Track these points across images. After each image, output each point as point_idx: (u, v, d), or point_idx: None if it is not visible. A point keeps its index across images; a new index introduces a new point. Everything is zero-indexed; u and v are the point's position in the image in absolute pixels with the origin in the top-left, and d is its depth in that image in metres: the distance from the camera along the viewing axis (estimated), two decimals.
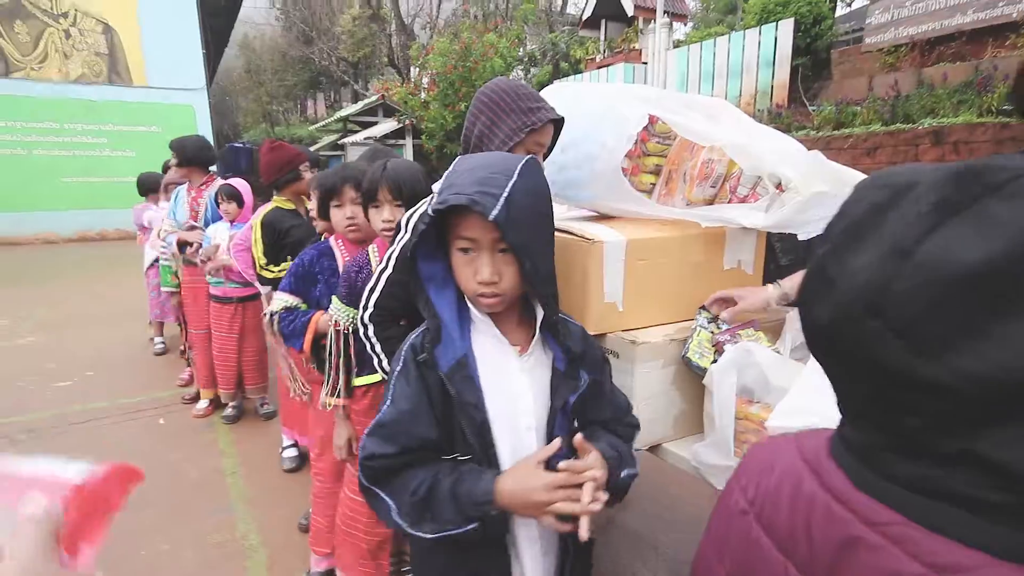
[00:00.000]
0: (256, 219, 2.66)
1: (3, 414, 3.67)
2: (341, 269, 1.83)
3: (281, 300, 1.89)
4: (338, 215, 1.88)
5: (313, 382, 2.06)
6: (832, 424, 0.55)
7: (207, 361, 3.56)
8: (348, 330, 1.71)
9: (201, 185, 3.51)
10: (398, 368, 1.02)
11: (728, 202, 1.63)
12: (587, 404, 1.05)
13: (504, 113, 1.33)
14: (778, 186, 1.49)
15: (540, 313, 1.03)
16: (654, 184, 1.74)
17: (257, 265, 2.62)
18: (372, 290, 1.41)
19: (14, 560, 0.40)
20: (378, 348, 1.41)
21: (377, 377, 1.69)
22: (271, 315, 1.88)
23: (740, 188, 1.61)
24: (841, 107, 6.35)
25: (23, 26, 12.66)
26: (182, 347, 4.27)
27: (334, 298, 1.74)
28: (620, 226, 1.51)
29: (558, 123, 1.42)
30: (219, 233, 3.25)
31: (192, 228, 3.43)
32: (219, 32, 17.14)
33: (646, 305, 1.51)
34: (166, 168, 5.07)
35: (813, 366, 1.14)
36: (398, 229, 1.42)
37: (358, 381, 1.76)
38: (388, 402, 1.01)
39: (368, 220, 1.71)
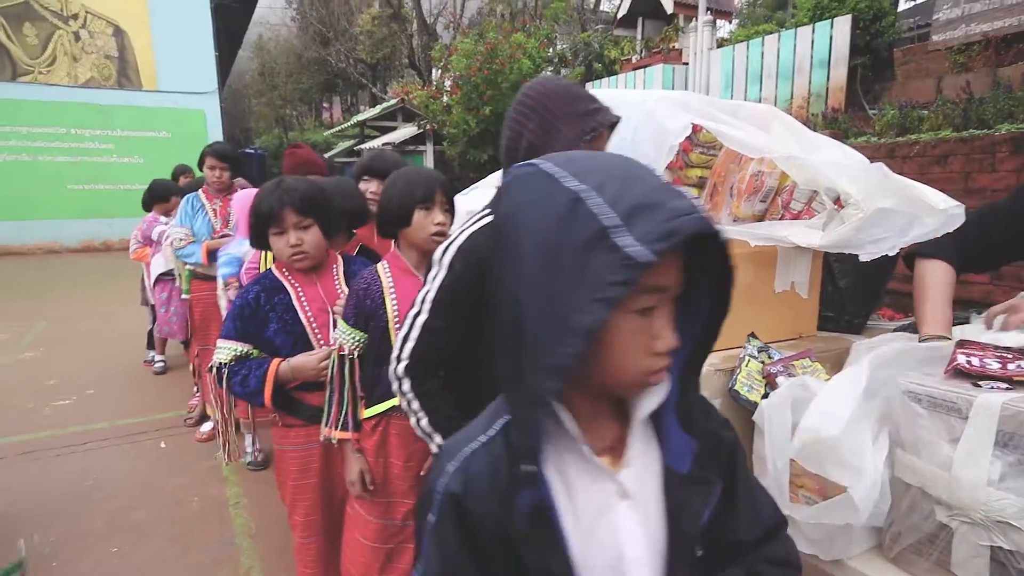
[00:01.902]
0: None
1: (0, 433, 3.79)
2: (296, 303, 1.79)
3: (228, 349, 1.76)
4: (280, 243, 1.77)
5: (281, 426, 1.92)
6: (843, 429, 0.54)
7: None
8: (354, 354, 1.69)
9: (229, 193, 3.58)
10: (432, 520, 0.72)
11: (780, 218, 1.61)
12: (721, 519, 0.77)
13: (558, 119, 1.25)
14: (836, 201, 1.47)
15: (651, 393, 0.71)
16: (697, 198, 1.73)
17: None
18: (405, 339, 1.33)
19: None
20: (415, 405, 1.34)
21: (388, 405, 1.68)
22: (218, 369, 1.76)
23: (793, 203, 1.59)
24: (906, 111, 6.23)
25: (32, 28, 13.30)
26: (192, 365, 4.28)
27: (340, 320, 1.71)
28: None
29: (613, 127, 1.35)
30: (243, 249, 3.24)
31: (225, 236, 3.48)
32: (232, 34, 17.76)
33: None
34: (176, 175, 5.23)
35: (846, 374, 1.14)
36: (431, 265, 1.35)
37: (367, 412, 1.72)
38: (420, 567, 0.74)
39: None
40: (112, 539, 2.71)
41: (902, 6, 13.84)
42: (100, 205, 14.01)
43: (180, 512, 2.93)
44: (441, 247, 1.33)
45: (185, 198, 3.59)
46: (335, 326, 1.78)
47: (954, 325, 1.35)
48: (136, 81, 14.38)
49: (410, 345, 1.32)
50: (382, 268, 1.70)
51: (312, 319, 1.80)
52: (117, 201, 13.72)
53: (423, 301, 1.32)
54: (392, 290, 1.66)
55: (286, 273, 1.83)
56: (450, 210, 1.66)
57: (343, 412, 1.70)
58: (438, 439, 1.31)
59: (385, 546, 1.73)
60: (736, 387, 1.36)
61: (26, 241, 13.51)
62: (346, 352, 1.68)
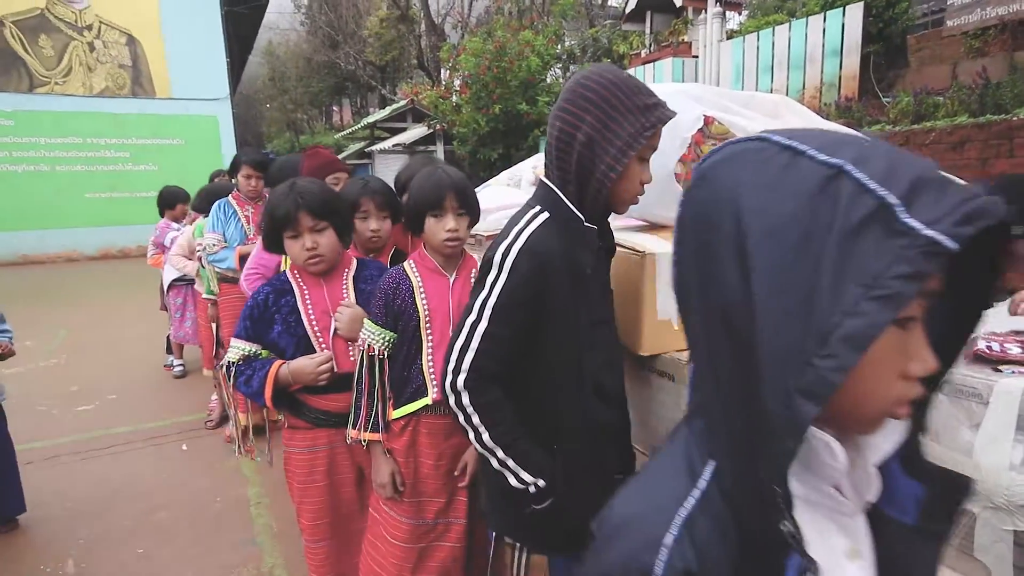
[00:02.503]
0: None
1: (24, 439, 3.87)
2: (301, 306, 1.78)
3: (238, 349, 1.79)
4: (295, 247, 1.75)
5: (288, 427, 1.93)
6: None
7: None
8: (383, 355, 1.69)
9: (260, 200, 3.61)
10: None
11: None
12: None
13: (619, 113, 1.17)
14: None
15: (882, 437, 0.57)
16: None
17: None
18: (463, 349, 1.25)
19: None
20: (476, 420, 1.26)
21: (419, 405, 1.67)
22: (227, 367, 1.79)
23: None
24: (921, 98, 6.16)
25: (47, 40, 13.53)
26: (215, 367, 4.28)
27: (366, 320, 1.72)
28: (666, 236, 1.50)
29: None
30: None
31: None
32: (243, 40, 17.94)
33: None
34: (213, 178, 5.32)
35: None
36: (488, 267, 1.25)
37: (395, 413, 1.72)
38: None
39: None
40: (137, 540, 2.76)
41: None
42: (117, 213, 14.23)
43: (203, 513, 2.98)
44: (500, 248, 1.24)
45: (216, 204, 3.58)
46: (335, 332, 1.78)
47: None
48: (150, 89, 14.59)
49: (469, 356, 1.23)
50: (409, 268, 1.70)
51: (315, 322, 1.79)
52: (133, 208, 13.92)
53: (482, 307, 1.23)
54: (422, 289, 1.66)
55: (297, 275, 1.83)
56: (466, 212, 1.64)
57: (372, 413, 1.69)
58: (500, 454, 1.26)
59: (417, 545, 1.73)
60: None
61: (47, 250, 13.77)
62: (376, 352, 1.67)
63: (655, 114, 1.18)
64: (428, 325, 1.66)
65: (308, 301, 1.80)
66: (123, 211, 14.17)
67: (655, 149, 1.24)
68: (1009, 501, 0.93)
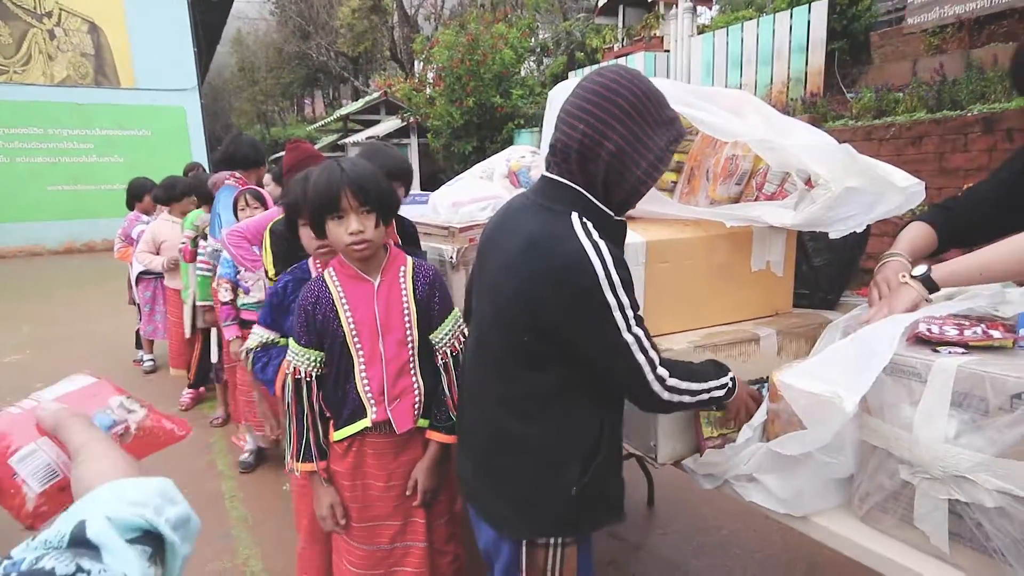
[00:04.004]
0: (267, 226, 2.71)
1: None
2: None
3: (258, 335, 1.78)
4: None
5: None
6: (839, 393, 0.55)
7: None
8: (312, 377, 1.55)
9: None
10: None
11: (755, 200, 1.67)
12: None
13: (651, 126, 1.15)
14: (807, 182, 1.53)
15: None
16: (675, 182, 1.78)
17: (267, 275, 2.64)
18: (651, 367, 1.19)
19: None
20: (688, 397, 1.24)
21: (360, 426, 1.55)
22: (247, 352, 1.78)
23: (767, 185, 1.65)
24: (882, 94, 6.34)
25: (5, 27, 13.07)
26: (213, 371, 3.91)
27: (290, 341, 1.57)
28: (639, 227, 1.55)
29: None
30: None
31: None
32: (211, 28, 17.53)
33: (669, 310, 1.55)
34: (187, 171, 5.23)
35: (847, 340, 1.17)
36: (588, 293, 1.13)
37: (337, 435, 1.59)
38: None
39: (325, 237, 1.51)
40: None
41: None
42: (81, 206, 13.85)
43: None
44: (591, 266, 1.12)
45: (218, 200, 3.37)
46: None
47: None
48: (114, 79, 14.19)
49: (652, 353, 1.19)
50: (329, 276, 1.56)
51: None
52: (99, 201, 13.57)
53: (627, 323, 1.16)
54: (344, 300, 1.53)
55: (318, 266, 1.74)
56: (372, 208, 1.46)
57: (303, 441, 1.56)
58: (706, 385, 1.27)
59: (374, 572, 1.63)
60: None
61: (6, 244, 13.35)
62: (302, 375, 1.54)
63: (676, 128, 1.20)
64: (356, 338, 1.53)
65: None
66: (88, 204, 13.80)
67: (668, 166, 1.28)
68: (944, 472, 1.00)
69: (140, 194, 4.93)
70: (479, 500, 1.40)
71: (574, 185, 1.19)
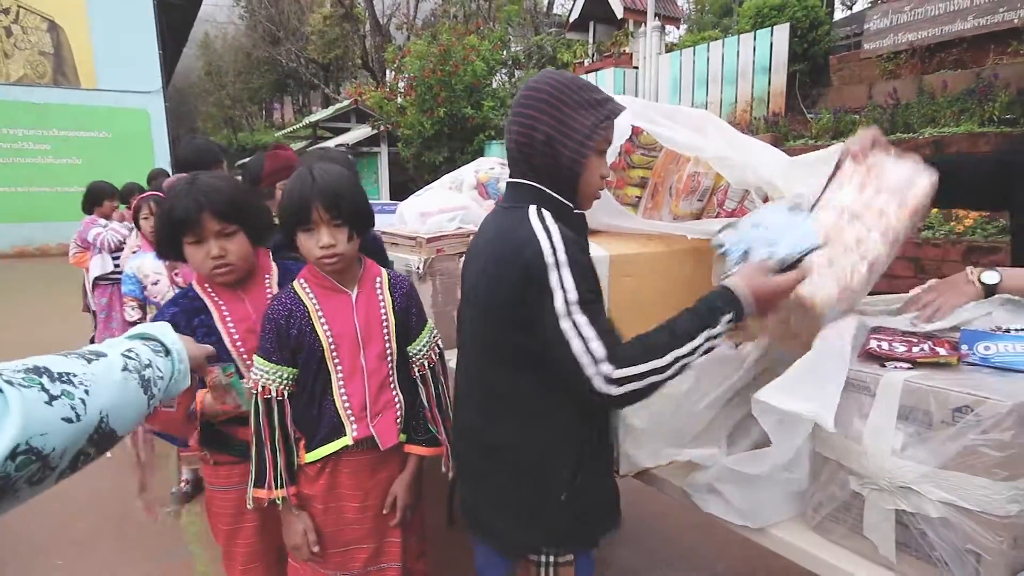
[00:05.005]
0: None
1: None
2: (220, 324, 1.52)
3: None
4: (198, 254, 1.47)
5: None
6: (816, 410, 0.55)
7: None
8: (283, 395, 1.46)
9: None
10: None
11: (716, 216, 1.71)
12: None
13: (573, 108, 1.20)
14: (765, 199, 1.57)
15: None
16: (639, 197, 1.82)
17: None
18: (586, 351, 1.10)
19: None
20: (648, 379, 1.10)
21: (337, 447, 1.47)
22: None
23: (728, 202, 1.69)
24: (839, 115, 6.57)
25: None
26: None
27: (256, 358, 1.46)
28: (603, 241, 1.57)
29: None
30: (146, 266, 2.75)
31: None
32: (177, 30, 17.21)
33: (633, 324, 1.55)
34: (151, 178, 5.08)
35: (820, 347, 1.15)
36: (533, 279, 1.12)
37: (309, 456, 1.49)
38: None
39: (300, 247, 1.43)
40: (55, 553, 2.62)
41: (838, 15, 14.51)
42: (36, 208, 13.37)
43: (130, 521, 2.86)
44: (541, 253, 1.13)
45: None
46: None
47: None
48: (73, 79, 13.79)
49: (596, 344, 1.09)
50: (301, 288, 1.48)
51: (239, 342, 1.53)
52: (54, 204, 13.12)
53: (567, 308, 1.10)
54: (320, 313, 1.46)
55: (208, 289, 1.54)
56: (344, 222, 1.41)
57: (277, 468, 1.45)
58: (685, 349, 1.12)
59: None
60: None
61: None
62: (273, 394, 1.44)
63: (607, 107, 1.23)
64: (335, 353, 1.46)
65: (228, 319, 1.53)
66: (43, 206, 13.33)
67: (611, 143, 1.28)
68: (891, 483, 1.03)
69: (100, 199, 4.77)
70: (473, 513, 1.37)
71: (528, 182, 1.24)
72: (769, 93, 7.92)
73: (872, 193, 1.30)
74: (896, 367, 1.08)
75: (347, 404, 1.48)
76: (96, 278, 4.46)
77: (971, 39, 6.65)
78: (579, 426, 1.24)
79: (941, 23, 6.88)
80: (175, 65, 20.61)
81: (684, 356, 1.12)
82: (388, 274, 1.60)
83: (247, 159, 11.06)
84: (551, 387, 1.19)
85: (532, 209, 1.20)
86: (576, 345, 1.09)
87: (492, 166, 2.64)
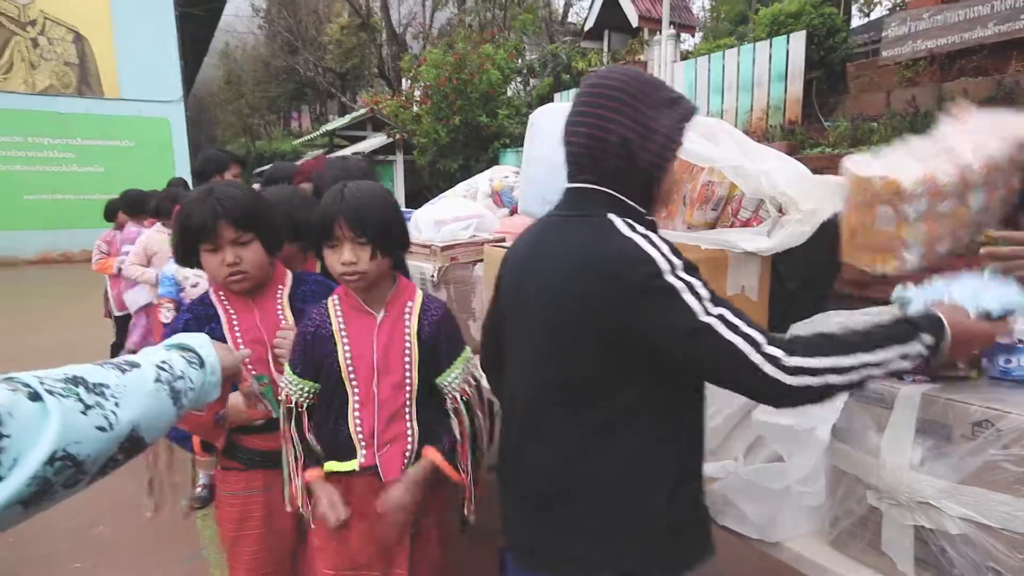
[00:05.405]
0: None
1: None
2: (228, 333, 1.53)
3: None
4: (214, 261, 1.49)
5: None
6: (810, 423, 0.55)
7: None
8: (303, 407, 1.46)
9: None
10: None
11: (730, 226, 1.70)
12: None
13: (651, 108, 1.10)
14: (780, 209, 1.56)
15: None
16: None
17: None
18: (749, 341, 0.98)
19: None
20: (823, 378, 0.96)
21: (349, 467, 1.44)
22: None
23: (742, 212, 1.68)
24: (857, 123, 6.50)
25: None
26: None
27: (285, 367, 1.49)
28: None
29: None
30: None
31: None
32: (197, 41, 17.53)
33: None
34: (169, 186, 5.14)
35: None
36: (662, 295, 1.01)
37: (327, 468, 1.47)
38: None
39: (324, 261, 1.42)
40: (76, 556, 2.66)
41: (856, 22, 14.40)
42: (60, 215, 13.65)
43: (147, 525, 2.89)
44: (661, 270, 1.02)
45: None
46: (275, 362, 1.55)
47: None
48: (97, 89, 14.09)
49: (748, 330, 0.98)
50: (332, 305, 1.48)
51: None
52: (78, 211, 13.37)
53: (709, 317, 0.99)
54: (344, 333, 1.44)
55: (221, 297, 1.56)
56: (368, 240, 1.38)
57: (298, 463, 1.47)
58: (868, 358, 0.96)
59: None
60: None
61: None
62: (294, 404, 1.46)
63: (683, 106, 1.14)
64: (352, 376, 1.44)
65: (236, 328, 1.54)
66: (67, 214, 13.60)
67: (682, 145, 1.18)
68: (910, 498, 1.01)
69: (140, 207, 4.72)
70: (541, 554, 1.17)
71: (598, 187, 1.13)
72: (785, 101, 7.87)
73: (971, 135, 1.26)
74: (914, 380, 1.07)
75: (359, 428, 1.45)
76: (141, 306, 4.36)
77: (991, 46, 6.56)
78: (673, 444, 1.12)
79: (961, 30, 6.79)
80: (196, 75, 21.00)
81: (872, 365, 0.96)
82: (423, 298, 1.52)
83: (265, 167, 11.21)
84: (644, 405, 1.09)
85: (614, 217, 1.09)
86: (728, 335, 0.98)
87: (507, 174, 2.65)
